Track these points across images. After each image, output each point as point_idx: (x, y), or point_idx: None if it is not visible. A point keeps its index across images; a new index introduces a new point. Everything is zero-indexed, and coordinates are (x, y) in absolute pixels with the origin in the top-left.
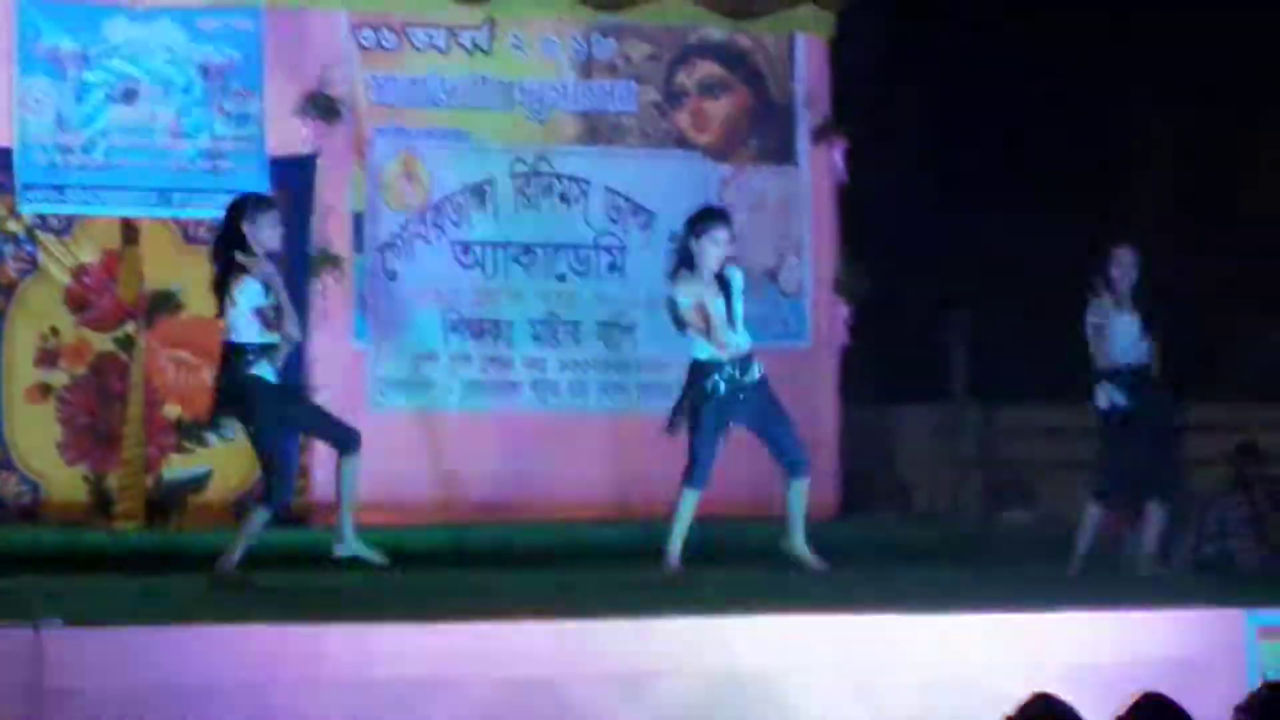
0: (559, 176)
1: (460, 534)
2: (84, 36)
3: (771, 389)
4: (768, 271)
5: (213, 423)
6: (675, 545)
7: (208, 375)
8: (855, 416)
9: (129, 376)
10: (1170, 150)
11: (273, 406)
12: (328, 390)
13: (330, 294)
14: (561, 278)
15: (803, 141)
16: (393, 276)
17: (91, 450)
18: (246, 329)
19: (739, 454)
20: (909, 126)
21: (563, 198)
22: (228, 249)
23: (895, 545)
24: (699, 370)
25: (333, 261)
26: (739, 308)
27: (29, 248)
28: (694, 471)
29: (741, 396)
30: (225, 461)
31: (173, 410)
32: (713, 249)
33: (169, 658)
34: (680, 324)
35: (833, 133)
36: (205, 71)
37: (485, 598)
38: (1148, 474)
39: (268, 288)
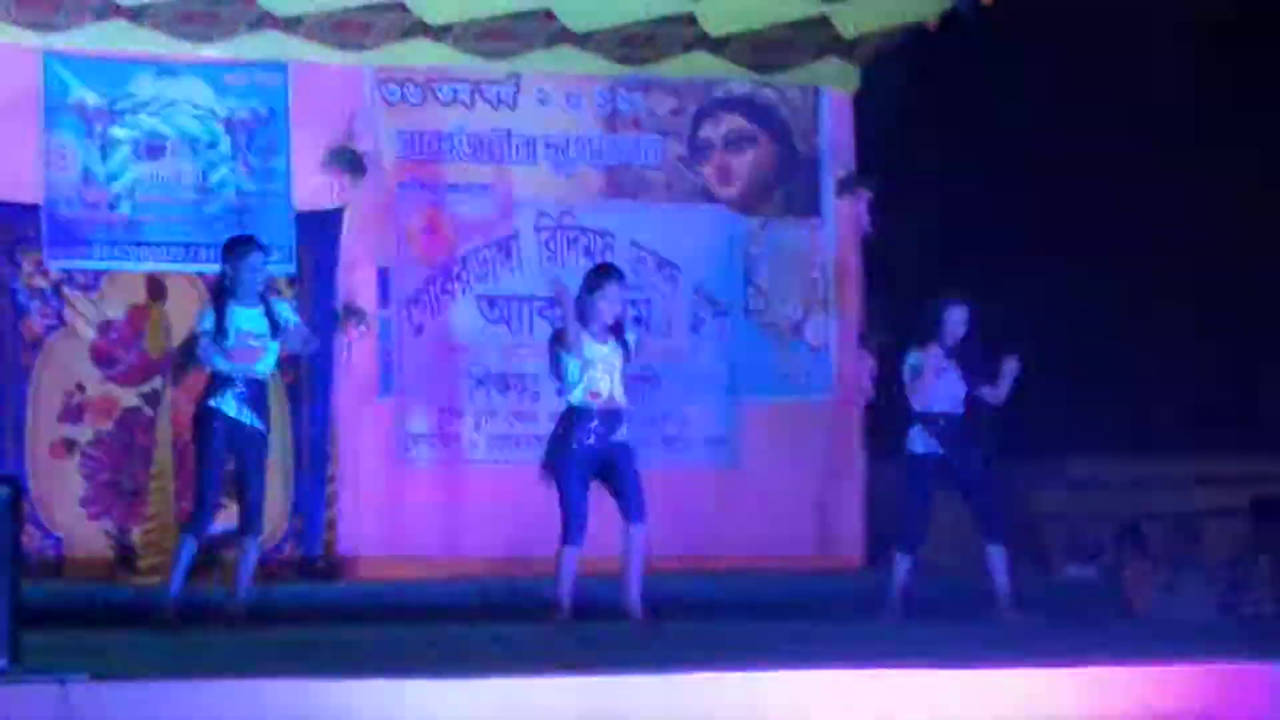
0: (584, 230)
1: (486, 587)
2: (110, 92)
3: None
4: (793, 324)
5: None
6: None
7: None
8: (880, 469)
9: (155, 432)
10: (1194, 205)
11: (215, 439)
12: (352, 444)
13: (356, 348)
14: None
15: (827, 194)
16: (418, 330)
17: (114, 506)
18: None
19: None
20: (934, 179)
21: (587, 251)
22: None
23: (919, 598)
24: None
25: (358, 315)
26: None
27: (55, 303)
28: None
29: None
30: None
31: None
32: (604, 304)
33: (195, 712)
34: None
35: (857, 185)
36: (231, 126)
37: (510, 651)
38: (976, 519)
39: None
